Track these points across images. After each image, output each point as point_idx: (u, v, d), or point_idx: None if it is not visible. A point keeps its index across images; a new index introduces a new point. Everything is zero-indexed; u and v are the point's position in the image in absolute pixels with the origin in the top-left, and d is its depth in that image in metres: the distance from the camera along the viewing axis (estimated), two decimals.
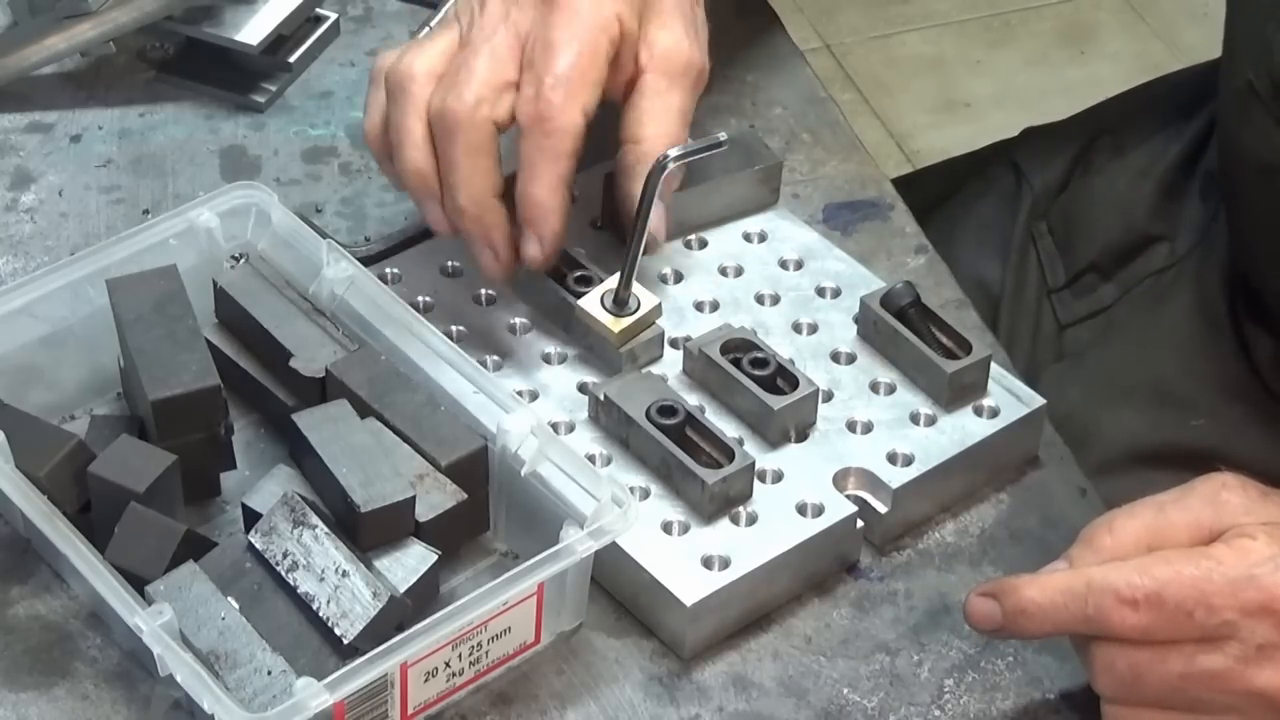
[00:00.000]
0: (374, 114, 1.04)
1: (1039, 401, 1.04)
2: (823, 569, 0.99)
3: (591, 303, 1.04)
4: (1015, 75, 2.87)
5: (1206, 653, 0.87)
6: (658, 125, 1.04)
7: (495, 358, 1.05)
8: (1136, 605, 0.87)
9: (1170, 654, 0.87)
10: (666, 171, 1.00)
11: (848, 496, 1.00)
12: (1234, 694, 0.87)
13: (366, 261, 1.08)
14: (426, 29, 1.06)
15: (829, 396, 1.03)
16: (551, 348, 1.05)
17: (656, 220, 1.03)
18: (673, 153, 1.00)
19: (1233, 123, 1.19)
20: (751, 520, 0.98)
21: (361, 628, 0.89)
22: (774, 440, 1.01)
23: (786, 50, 1.30)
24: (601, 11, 1.01)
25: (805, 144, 1.23)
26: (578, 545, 0.91)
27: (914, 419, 1.03)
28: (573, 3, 1.01)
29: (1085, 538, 0.91)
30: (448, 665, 0.91)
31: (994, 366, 1.04)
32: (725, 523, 0.97)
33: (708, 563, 0.96)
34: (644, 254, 1.03)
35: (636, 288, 1.04)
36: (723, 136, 1.02)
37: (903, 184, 1.25)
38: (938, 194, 1.37)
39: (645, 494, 0.98)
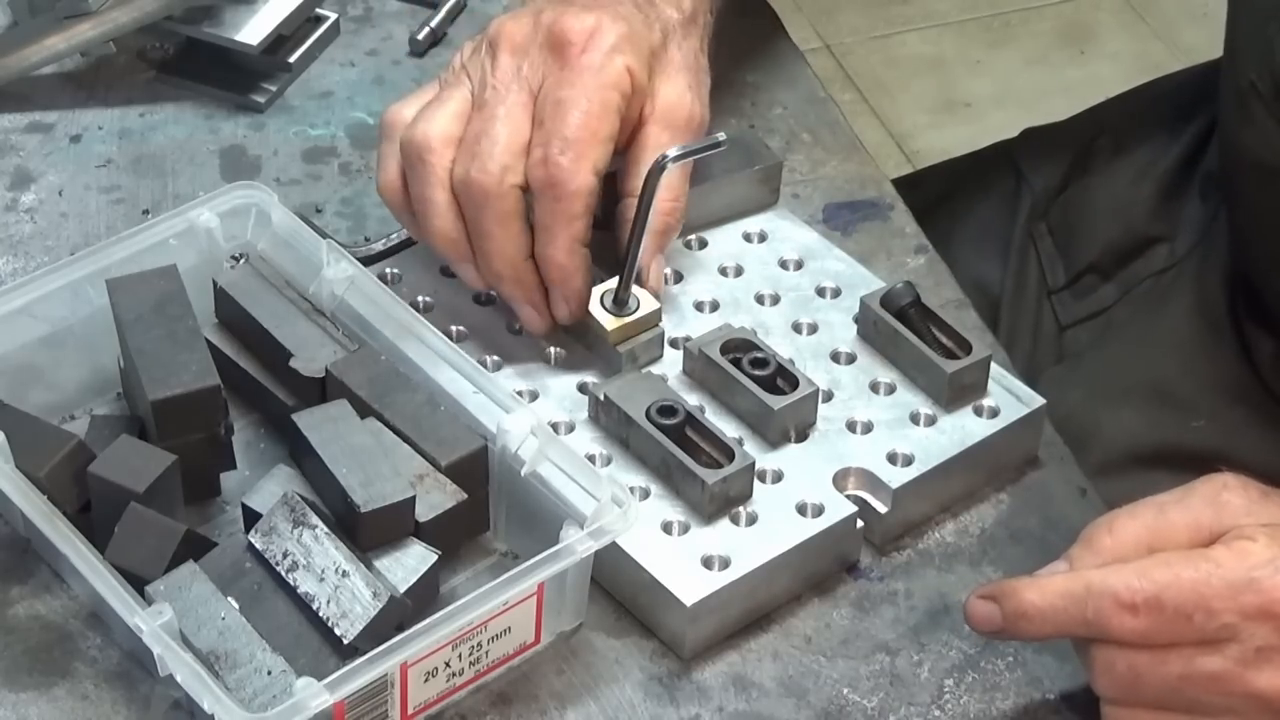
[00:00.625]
0: (389, 169, 1.04)
1: (1039, 401, 1.04)
2: (823, 569, 0.99)
3: (591, 301, 1.04)
4: (1015, 75, 2.87)
5: (1206, 655, 0.87)
6: None
7: (495, 358, 1.05)
8: (1136, 609, 0.87)
9: (1170, 656, 0.87)
10: (665, 171, 1.00)
11: (848, 496, 1.00)
12: (1233, 696, 0.87)
13: (366, 261, 1.08)
14: (435, 84, 1.06)
15: (829, 396, 1.03)
16: (551, 348, 1.05)
17: (655, 279, 1.04)
18: (671, 153, 1.00)
19: (1234, 123, 1.19)
20: (751, 520, 0.98)
21: (361, 628, 0.89)
22: (774, 440, 1.01)
23: (786, 50, 1.30)
24: (613, 66, 1.01)
25: (805, 144, 1.23)
26: (578, 545, 0.91)
27: (914, 419, 1.03)
28: (584, 58, 1.01)
29: (1085, 538, 0.91)
30: (448, 665, 0.91)
31: (994, 366, 1.04)
32: (725, 523, 0.97)
33: (708, 563, 0.96)
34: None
35: (639, 291, 1.04)
36: (722, 136, 1.02)
37: (903, 184, 1.25)
38: (938, 194, 1.37)
39: (645, 494, 0.98)
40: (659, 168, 1.00)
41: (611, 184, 1.05)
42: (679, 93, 1.06)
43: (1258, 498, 0.90)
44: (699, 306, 1.08)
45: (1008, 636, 0.91)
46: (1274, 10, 1.12)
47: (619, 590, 0.98)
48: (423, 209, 1.02)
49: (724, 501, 0.97)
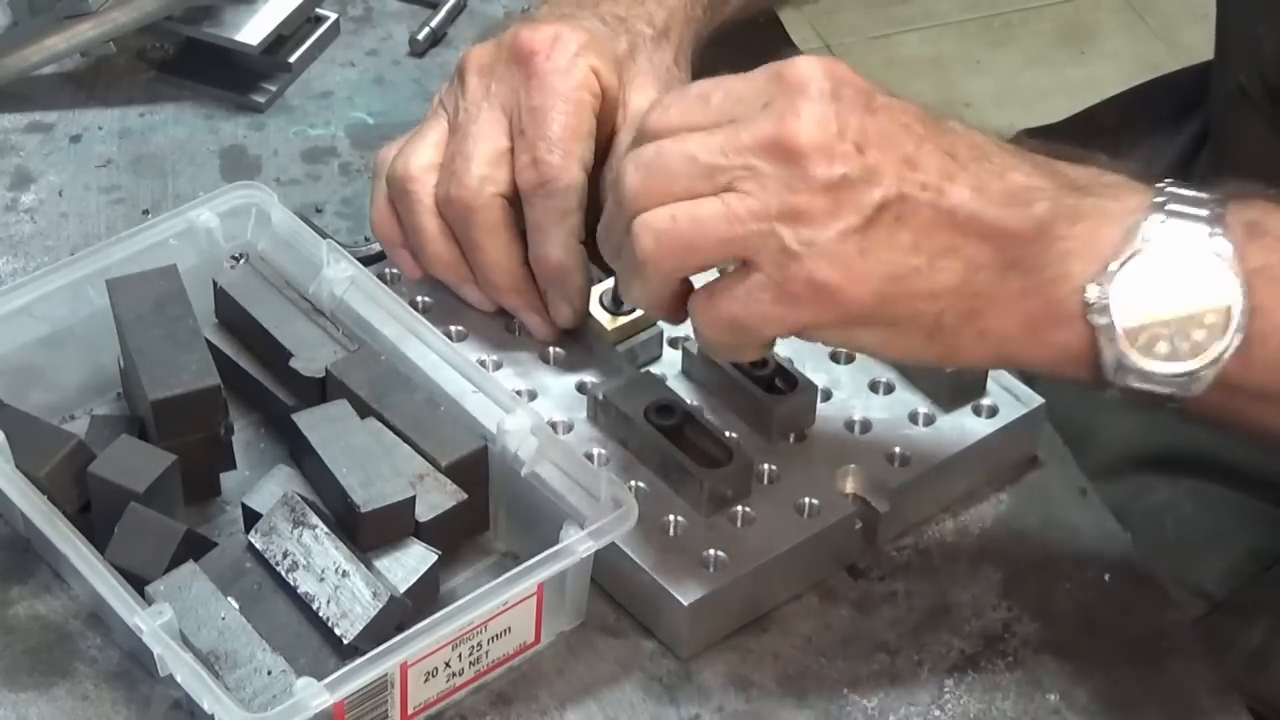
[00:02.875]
0: (380, 207, 1.06)
1: (1038, 401, 1.04)
2: (822, 569, 0.99)
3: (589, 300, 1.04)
4: (1015, 75, 2.87)
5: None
6: None
7: (495, 358, 1.05)
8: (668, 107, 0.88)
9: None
10: None
11: (847, 496, 1.00)
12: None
13: (366, 261, 1.08)
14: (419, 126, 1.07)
15: (828, 396, 1.03)
16: (551, 348, 1.05)
17: None
18: None
19: (1224, 125, 1.18)
20: (750, 520, 0.98)
21: (361, 628, 0.89)
22: (773, 440, 1.01)
23: (786, 51, 1.30)
24: (578, 68, 1.03)
25: None
26: (578, 545, 0.91)
27: (913, 418, 1.03)
28: (548, 66, 1.02)
29: None
30: (448, 665, 0.91)
31: None
32: (724, 523, 0.97)
33: (707, 563, 0.96)
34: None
35: None
36: None
37: None
38: None
39: (645, 494, 0.98)
40: None
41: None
42: (649, 102, 1.06)
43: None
44: None
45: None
46: (1261, 9, 1.12)
47: (619, 590, 0.98)
48: (416, 239, 1.04)
49: (723, 501, 0.97)
